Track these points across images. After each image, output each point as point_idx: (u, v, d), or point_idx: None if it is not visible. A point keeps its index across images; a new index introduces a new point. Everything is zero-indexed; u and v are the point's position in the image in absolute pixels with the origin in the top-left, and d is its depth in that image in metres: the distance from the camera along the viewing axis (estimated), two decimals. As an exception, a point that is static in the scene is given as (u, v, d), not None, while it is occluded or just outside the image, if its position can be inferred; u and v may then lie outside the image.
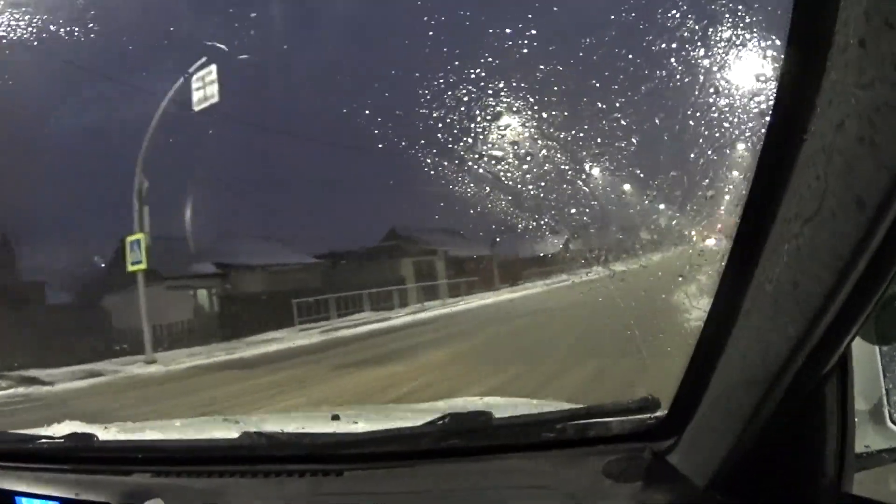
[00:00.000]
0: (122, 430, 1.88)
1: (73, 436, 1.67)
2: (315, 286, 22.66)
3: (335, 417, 1.78)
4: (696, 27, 3.59)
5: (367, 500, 1.31)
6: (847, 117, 0.57)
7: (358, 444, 1.44)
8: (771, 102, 0.71)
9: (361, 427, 1.62)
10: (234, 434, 1.53)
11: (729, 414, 0.95)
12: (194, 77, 12.32)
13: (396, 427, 1.46)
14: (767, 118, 0.72)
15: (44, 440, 1.70)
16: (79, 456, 1.64)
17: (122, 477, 1.52)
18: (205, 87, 12.11)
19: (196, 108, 12.63)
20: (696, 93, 3.57)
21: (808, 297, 0.70)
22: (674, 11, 3.77)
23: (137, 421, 2.16)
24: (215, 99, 11.96)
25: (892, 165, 0.53)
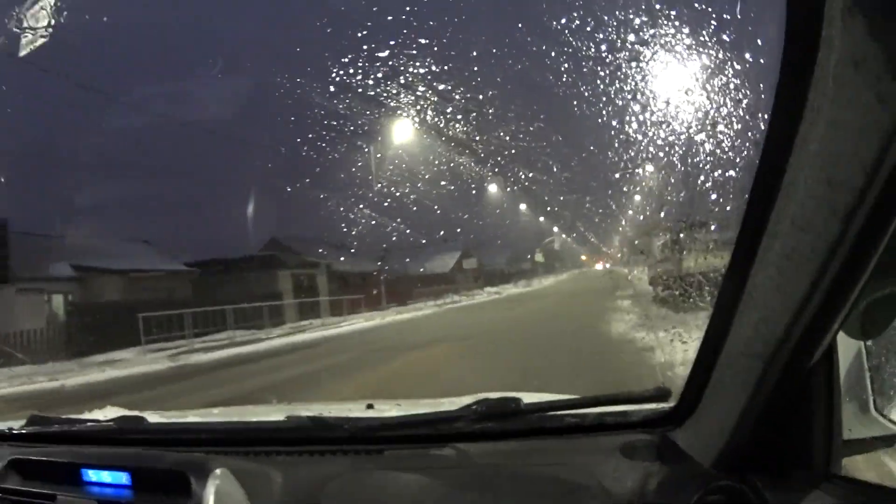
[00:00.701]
0: (165, 417, 1.97)
1: (122, 418, 1.74)
2: (177, 298, 19.99)
3: (370, 407, 1.89)
4: (694, 67, 4.11)
5: (404, 475, 1.42)
6: (806, 164, 0.78)
7: (397, 426, 1.54)
8: (764, 137, 0.88)
9: (398, 413, 1.68)
10: (279, 417, 1.66)
11: (728, 404, 1.10)
12: (24, 12, 9.31)
13: (433, 412, 1.65)
14: (762, 148, 0.89)
15: (93, 422, 1.80)
16: (129, 438, 1.70)
17: (175, 455, 1.58)
18: (37, 27, 9.16)
19: (22, 54, 9.62)
20: (698, 124, 4.19)
21: (788, 299, 0.88)
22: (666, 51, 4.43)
23: None
24: (45, 40, 9.06)
25: (816, 196, 0.77)
